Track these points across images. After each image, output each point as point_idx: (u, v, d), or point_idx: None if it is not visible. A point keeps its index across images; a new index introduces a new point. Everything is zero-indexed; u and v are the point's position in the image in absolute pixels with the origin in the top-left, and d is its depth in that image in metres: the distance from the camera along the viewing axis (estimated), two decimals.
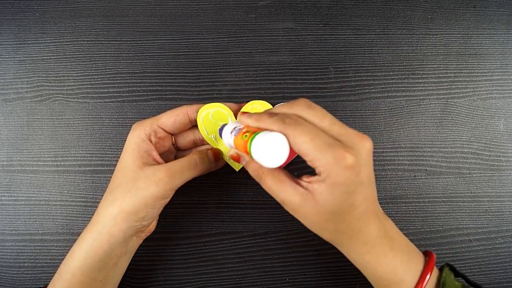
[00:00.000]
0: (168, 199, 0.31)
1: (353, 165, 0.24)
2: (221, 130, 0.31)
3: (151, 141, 0.31)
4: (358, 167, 0.24)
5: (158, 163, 0.31)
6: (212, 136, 0.34)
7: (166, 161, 0.32)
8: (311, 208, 0.26)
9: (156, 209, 0.30)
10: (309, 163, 0.25)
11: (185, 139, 0.35)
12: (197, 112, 0.33)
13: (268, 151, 0.25)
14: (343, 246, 0.28)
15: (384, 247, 0.27)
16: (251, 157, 0.26)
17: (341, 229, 0.26)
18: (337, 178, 0.24)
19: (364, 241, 0.27)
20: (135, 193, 0.28)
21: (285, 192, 0.26)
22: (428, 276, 0.27)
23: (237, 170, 0.35)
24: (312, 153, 0.24)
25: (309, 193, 0.25)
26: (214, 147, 0.34)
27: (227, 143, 0.31)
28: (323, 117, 0.26)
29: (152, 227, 0.33)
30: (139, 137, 0.31)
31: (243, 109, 0.34)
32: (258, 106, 0.35)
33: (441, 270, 0.29)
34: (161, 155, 0.33)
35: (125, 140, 0.40)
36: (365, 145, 0.25)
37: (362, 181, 0.25)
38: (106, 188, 0.39)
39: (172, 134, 0.34)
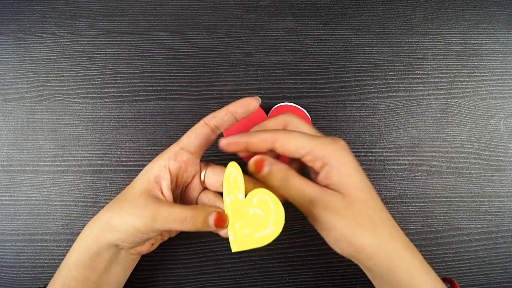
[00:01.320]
0: (153, 240, 0.31)
1: (345, 145, 0.27)
2: None
3: (169, 169, 0.29)
4: (348, 149, 0.27)
5: (163, 195, 0.29)
6: (227, 199, 0.29)
7: (188, 198, 0.31)
8: (340, 201, 0.25)
9: (137, 238, 0.28)
10: (306, 157, 0.26)
11: (215, 177, 0.30)
12: (215, 119, 0.29)
13: None
14: (387, 254, 0.25)
15: (421, 257, 0.27)
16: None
17: (378, 225, 0.26)
18: (342, 155, 0.26)
19: (404, 243, 0.26)
20: (123, 214, 0.27)
21: (315, 189, 0.26)
22: None
23: (232, 251, 0.28)
24: (309, 144, 0.26)
25: (333, 190, 0.26)
26: (225, 210, 0.29)
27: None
28: (304, 123, 0.29)
29: (144, 249, 0.31)
30: (158, 163, 0.29)
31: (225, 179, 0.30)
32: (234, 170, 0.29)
33: None
34: (186, 189, 0.31)
35: (126, 140, 0.40)
36: (343, 142, 0.28)
37: (360, 167, 0.27)
38: (106, 188, 0.39)
39: (199, 158, 0.31)
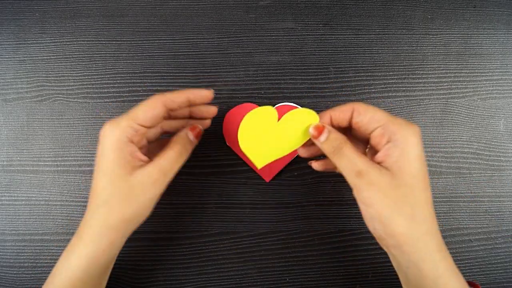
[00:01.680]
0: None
1: (419, 133, 0.27)
2: None
3: (133, 142, 0.29)
4: (421, 138, 0.27)
5: (143, 161, 0.29)
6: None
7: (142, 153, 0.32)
8: (388, 181, 0.26)
9: (152, 207, 0.30)
10: (377, 130, 0.28)
11: (157, 130, 0.33)
12: (174, 103, 0.31)
13: None
14: (416, 249, 0.26)
15: (451, 260, 0.27)
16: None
17: (417, 216, 0.26)
18: (411, 138, 0.26)
19: (437, 243, 0.26)
20: (135, 200, 0.28)
21: (366, 162, 0.27)
22: None
23: (258, 168, 0.34)
24: (385, 119, 0.27)
25: (385, 168, 0.26)
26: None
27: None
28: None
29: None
30: (121, 140, 0.28)
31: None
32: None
33: None
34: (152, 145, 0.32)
35: None
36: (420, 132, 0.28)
37: (425, 158, 0.27)
38: None
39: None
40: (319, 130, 0.30)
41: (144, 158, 0.29)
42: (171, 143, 0.30)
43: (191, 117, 0.34)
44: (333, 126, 0.31)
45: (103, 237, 0.28)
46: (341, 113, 0.30)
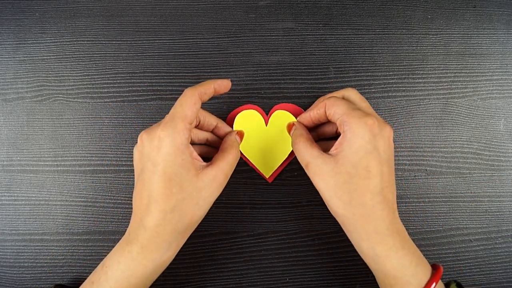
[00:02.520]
0: None
1: (373, 126, 0.28)
2: None
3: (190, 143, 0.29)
4: (377, 130, 0.28)
5: (200, 162, 0.29)
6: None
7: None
8: (330, 169, 0.28)
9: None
10: (338, 123, 0.30)
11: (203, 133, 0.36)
12: (206, 95, 0.31)
13: None
14: (355, 229, 0.28)
15: (396, 242, 0.28)
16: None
17: (354, 201, 0.27)
18: (358, 130, 0.27)
19: (376, 226, 0.28)
20: (202, 203, 0.28)
21: (312, 154, 0.29)
22: (434, 285, 0.27)
23: (267, 177, 0.38)
24: (342, 111, 0.29)
25: (332, 157, 0.29)
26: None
27: None
28: (363, 101, 0.32)
29: None
30: (183, 144, 0.28)
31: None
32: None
33: (447, 285, 0.30)
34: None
35: (126, 140, 0.39)
36: (385, 127, 0.29)
37: (378, 148, 0.28)
38: (106, 188, 0.38)
39: None
40: (289, 127, 0.35)
41: (200, 158, 0.30)
42: (227, 147, 0.32)
43: (212, 131, 0.36)
44: (314, 123, 0.34)
45: (173, 243, 0.28)
46: (318, 111, 0.32)
